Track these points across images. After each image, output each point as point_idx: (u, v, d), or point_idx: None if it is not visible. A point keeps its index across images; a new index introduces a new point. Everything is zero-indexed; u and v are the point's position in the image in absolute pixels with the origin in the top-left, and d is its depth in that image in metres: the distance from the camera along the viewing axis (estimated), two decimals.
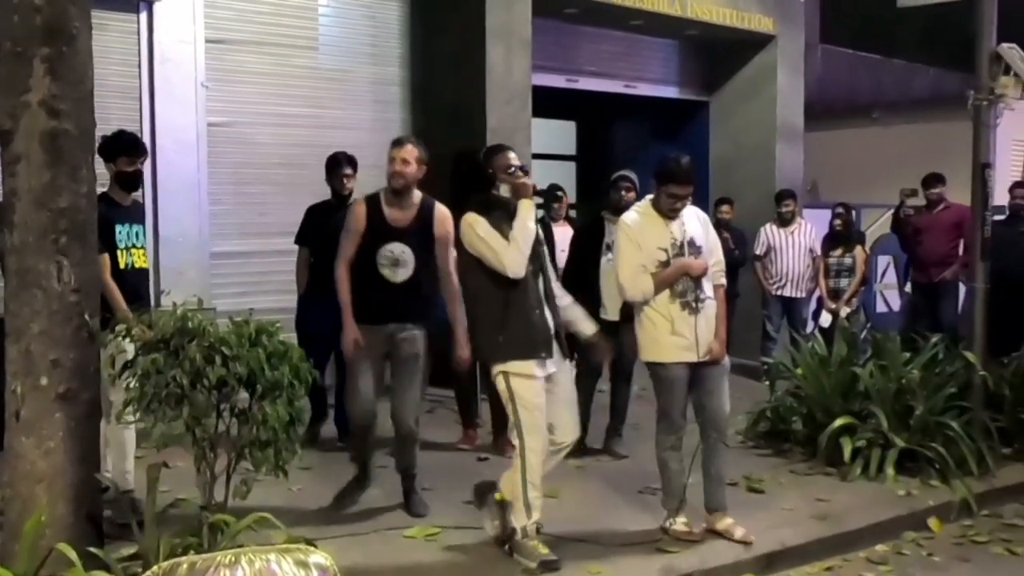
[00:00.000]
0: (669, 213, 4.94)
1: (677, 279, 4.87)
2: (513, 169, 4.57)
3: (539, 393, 4.51)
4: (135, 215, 5.25)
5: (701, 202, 10.66)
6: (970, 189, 6.81)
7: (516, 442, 4.54)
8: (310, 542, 3.83)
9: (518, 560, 4.54)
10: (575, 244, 6.73)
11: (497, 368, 4.52)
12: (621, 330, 5.92)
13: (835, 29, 15.99)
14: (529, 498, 4.52)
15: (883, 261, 10.79)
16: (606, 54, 10.61)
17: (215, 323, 4.14)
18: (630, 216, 5.05)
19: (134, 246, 5.13)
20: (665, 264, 4.88)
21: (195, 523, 3.95)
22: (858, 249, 9.17)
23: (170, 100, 7.33)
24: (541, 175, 9.15)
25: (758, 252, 9.34)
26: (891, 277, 10.89)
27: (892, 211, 9.48)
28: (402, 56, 8.79)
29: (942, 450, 6.10)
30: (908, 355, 6.75)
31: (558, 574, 4.46)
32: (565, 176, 12.43)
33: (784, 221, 9.25)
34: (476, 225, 4.50)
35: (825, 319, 8.94)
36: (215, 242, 7.58)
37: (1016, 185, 8.21)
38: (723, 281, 5.11)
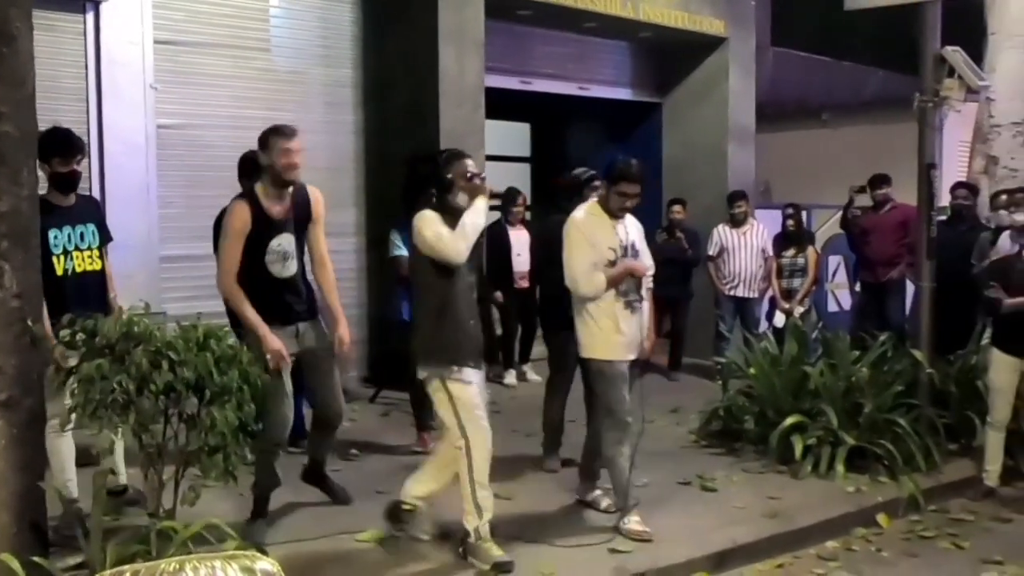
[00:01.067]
0: (618, 212, 5.11)
1: (624, 279, 5.04)
2: (471, 176, 4.59)
3: (476, 392, 4.55)
4: (79, 216, 4.97)
5: (654, 203, 10.78)
6: (917, 189, 6.90)
7: (459, 443, 4.50)
8: (259, 548, 3.82)
9: (472, 562, 4.54)
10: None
11: (434, 371, 4.51)
12: None
13: (786, 32, 16.15)
14: (478, 499, 4.52)
15: (834, 261, 10.92)
16: (559, 56, 10.65)
17: (163, 327, 4.09)
18: (580, 215, 5.17)
19: (77, 249, 4.91)
20: (613, 263, 5.04)
21: (143, 531, 3.89)
22: (810, 249, 9.26)
23: (118, 102, 7.23)
24: (495, 177, 9.09)
25: (711, 253, 9.41)
26: (842, 277, 11.02)
27: (842, 211, 9.59)
28: (354, 58, 8.75)
29: (890, 447, 6.18)
30: (857, 354, 6.83)
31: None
32: (520, 178, 12.45)
33: (737, 222, 9.32)
34: (429, 219, 4.48)
35: (779, 319, 9.03)
36: (165, 246, 7.49)
37: (957, 185, 8.33)
38: (651, 285, 5.31)
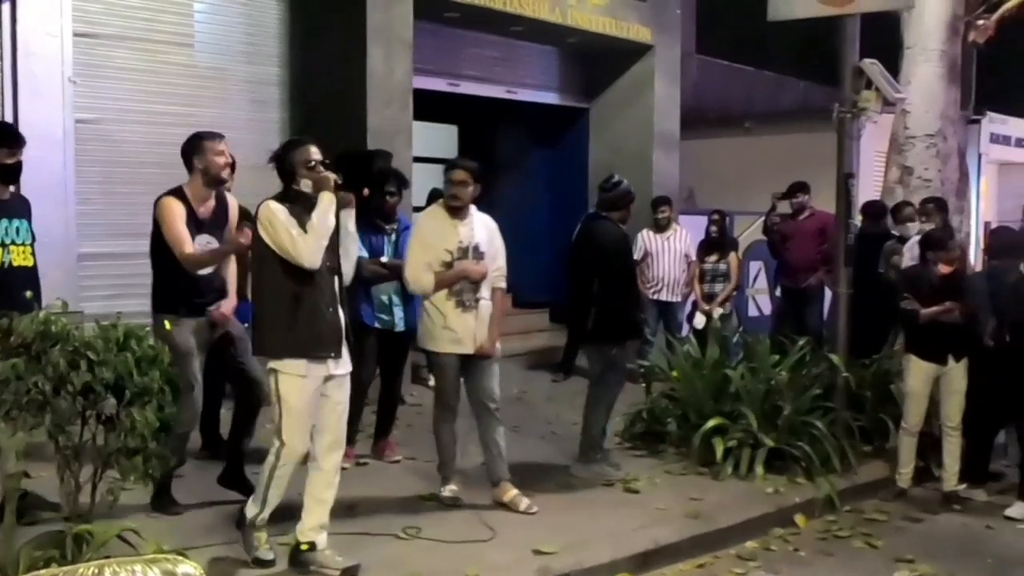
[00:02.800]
0: (452, 202, 5.40)
1: (457, 281, 5.34)
2: (313, 163, 4.46)
3: (304, 396, 4.40)
4: (15, 210, 4.98)
5: (580, 208, 10.88)
6: (835, 198, 7.07)
7: (275, 441, 4.43)
8: (180, 552, 3.74)
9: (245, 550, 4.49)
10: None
11: (272, 365, 4.42)
12: None
13: (710, 40, 16.40)
14: (268, 496, 4.44)
15: (755, 266, 11.13)
16: (488, 59, 10.67)
17: (81, 327, 3.99)
18: (423, 217, 5.57)
19: (13, 243, 4.90)
20: (449, 265, 5.33)
21: (58, 536, 3.80)
22: (732, 255, 9.43)
23: (35, 95, 7.01)
24: (422, 178, 9.15)
25: (635, 257, 9.49)
26: (762, 282, 11.23)
27: (763, 217, 9.79)
28: (280, 55, 8.63)
29: (808, 449, 6.33)
30: (777, 358, 6.98)
31: None
32: None
33: (660, 227, 9.43)
34: (275, 212, 4.38)
35: (699, 320, 9.17)
36: (82, 243, 7.29)
37: (869, 214, 8.52)
38: (503, 285, 5.61)
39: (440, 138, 12.61)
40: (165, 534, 4.45)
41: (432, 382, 8.84)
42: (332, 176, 4.47)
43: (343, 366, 4.54)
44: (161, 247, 5.02)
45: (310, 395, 4.41)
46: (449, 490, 5.54)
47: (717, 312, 8.99)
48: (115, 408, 3.93)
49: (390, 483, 5.88)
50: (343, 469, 6.12)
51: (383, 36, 8.36)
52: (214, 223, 5.15)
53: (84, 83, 7.34)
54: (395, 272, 5.98)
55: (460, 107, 11.36)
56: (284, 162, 4.52)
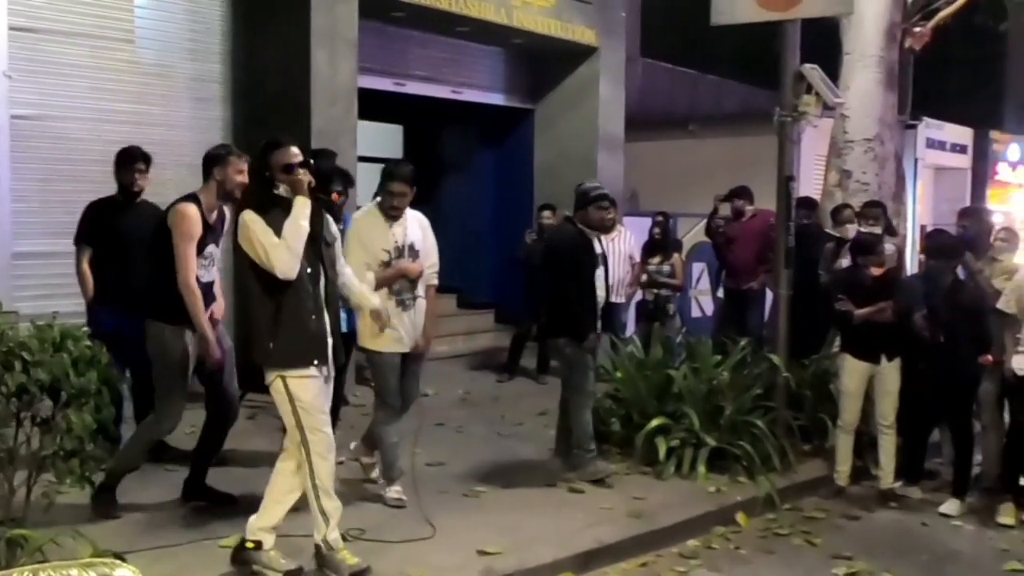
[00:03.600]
0: (391, 212, 5.43)
1: (396, 280, 5.39)
2: (290, 166, 4.37)
3: (318, 394, 4.40)
4: None
5: (526, 209, 10.91)
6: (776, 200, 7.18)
7: (300, 449, 4.38)
8: (118, 555, 3.69)
9: (327, 574, 4.44)
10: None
11: (275, 372, 4.36)
12: None
13: (655, 44, 16.56)
14: (323, 506, 4.39)
15: (697, 268, 11.25)
16: (433, 59, 10.66)
17: (15, 327, 3.92)
18: (359, 216, 5.57)
19: None
20: (387, 264, 5.38)
21: None
22: (675, 256, 9.50)
23: None
24: (368, 178, 9.10)
25: None
26: (705, 283, 11.37)
27: (706, 219, 9.89)
28: (224, 53, 8.54)
29: (749, 448, 6.41)
30: (719, 358, 7.06)
31: None
32: None
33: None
34: (251, 223, 4.31)
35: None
36: (18, 242, 7.15)
37: (798, 203, 8.65)
38: (435, 282, 5.69)
39: (386, 138, 12.59)
40: (104, 538, 4.37)
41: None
42: (306, 179, 4.37)
43: (330, 367, 4.54)
44: (169, 253, 4.96)
45: (319, 391, 4.42)
46: (394, 491, 5.55)
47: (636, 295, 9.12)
48: (51, 410, 3.87)
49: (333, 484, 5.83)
50: None
51: (328, 35, 8.31)
52: (218, 233, 5.24)
53: (21, 78, 7.19)
54: None
55: (406, 107, 11.34)
56: (261, 165, 4.42)
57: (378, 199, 5.55)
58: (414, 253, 5.51)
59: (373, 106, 9.65)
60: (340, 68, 8.40)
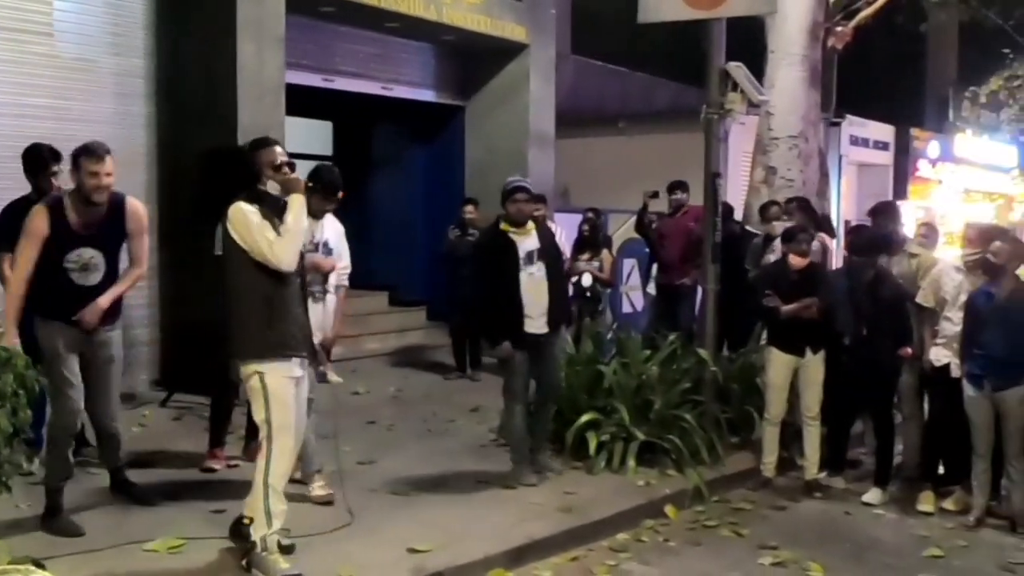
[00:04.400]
0: (318, 214, 5.54)
1: (308, 271, 5.32)
2: (280, 164, 4.50)
3: (294, 393, 4.50)
4: None
5: (457, 206, 10.84)
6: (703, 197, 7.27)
7: (263, 444, 4.42)
8: (37, 562, 3.61)
9: (255, 575, 4.40)
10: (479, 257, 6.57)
11: (254, 367, 4.39)
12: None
13: (585, 41, 16.66)
14: (271, 507, 4.38)
15: (628, 264, 11.32)
16: (363, 55, 10.59)
17: None
18: None
19: None
20: (301, 257, 5.28)
21: None
22: (605, 253, 9.56)
23: None
24: (297, 174, 9.00)
25: None
26: (635, 279, 11.43)
27: (636, 215, 9.97)
28: (147, 47, 8.38)
29: (678, 441, 6.48)
30: (648, 353, 7.13)
31: None
32: None
33: None
34: (248, 215, 4.35)
35: (587, 280, 9.25)
36: None
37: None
38: (346, 283, 5.85)
39: (315, 134, 12.47)
40: (22, 544, 4.27)
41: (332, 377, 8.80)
42: (301, 179, 4.54)
43: (304, 366, 4.61)
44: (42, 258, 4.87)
45: (294, 390, 4.48)
46: (318, 486, 5.52)
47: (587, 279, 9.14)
48: None
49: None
50: (213, 471, 6.08)
51: (254, 29, 8.19)
52: (98, 238, 4.99)
53: None
54: None
55: (335, 103, 11.24)
56: (248, 162, 4.50)
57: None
58: (327, 251, 5.63)
59: (302, 102, 9.55)
60: (267, 63, 8.30)
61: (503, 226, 6.20)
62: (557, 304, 6.13)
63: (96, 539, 4.75)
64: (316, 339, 5.44)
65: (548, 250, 6.16)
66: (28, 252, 4.83)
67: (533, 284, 6.03)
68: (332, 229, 5.73)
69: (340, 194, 5.72)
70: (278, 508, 4.40)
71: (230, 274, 4.49)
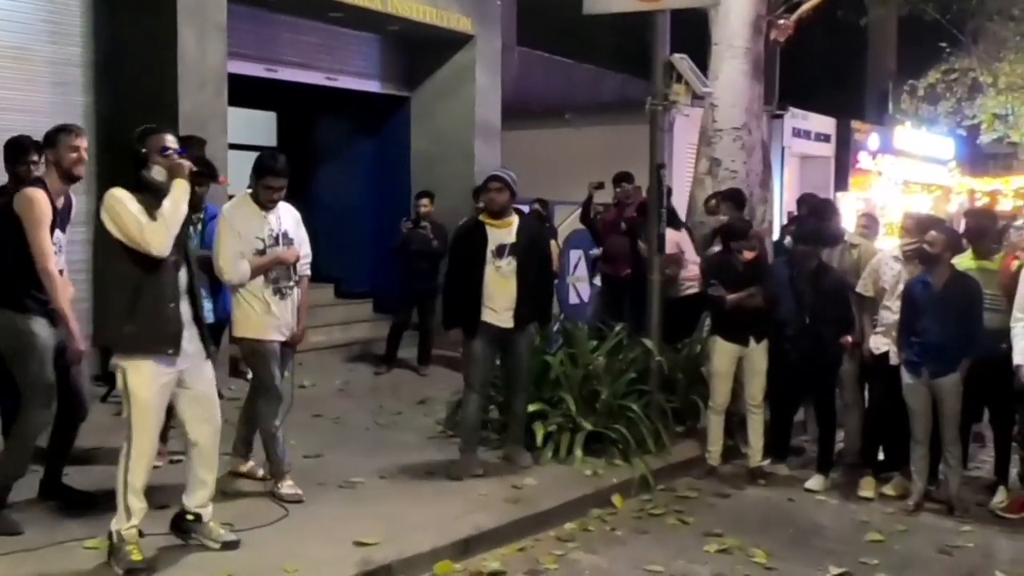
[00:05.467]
0: (267, 204, 5.41)
1: (272, 267, 5.37)
2: (167, 150, 4.38)
3: (157, 394, 4.36)
4: None
5: (403, 198, 10.83)
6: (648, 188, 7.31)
7: (124, 440, 4.37)
8: None
9: (112, 565, 4.37)
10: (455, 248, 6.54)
11: (117, 361, 4.34)
12: None
13: (531, 33, 16.64)
14: (129, 503, 4.34)
15: (575, 255, 11.35)
16: (307, 45, 10.46)
17: None
18: (231, 206, 5.51)
19: None
20: (262, 252, 5.35)
21: None
22: (551, 243, 9.57)
23: None
24: (240, 166, 8.88)
25: None
26: (582, 270, 11.47)
27: (581, 206, 10.01)
28: (85, 35, 8.20)
29: (624, 431, 6.53)
30: (595, 344, 7.16)
31: None
32: None
33: None
34: (124, 201, 4.26)
35: None
36: None
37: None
38: (307, 272, 5.70)
39: (258, 124, 12.32)
40: None
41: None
42: (187, 163, 4.42)
43: (195, 355, 4.50)
44: (10, 239, 4.74)
45: (159, 389, 4.35)
46: (287, 485, 5.45)
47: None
48: None
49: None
50: (156, 467, 5.98)
51: (195, 18, 8.07)
52: (67, 218, 5.08)
53: None
54: (202, 264, 5.82)
55: (279, 93, 11.12)
56: (136, 148, 4.38)
57: (250, 190, 5.48)
58: (288, 241, 5.50)
59: (245, 92, 9.43)
60: (208, 52, 8.17)
61: (482, 217, 6.22)
62: (527, 301, 6.07)
63: (35, 537, 4.66)
64: (283, 336, 5.46)
65: (526, 247, 6.09)
66: (48, 239, 4.75)
67: (499, 277, 6.03)
68: (289, 217, 5.58)
69: (222, 179, 5.80)
70: (137, 505, 4.36)
71: (99, 262, 4.41)
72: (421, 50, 11.29)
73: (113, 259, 4.29)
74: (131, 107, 8.07)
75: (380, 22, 10.42)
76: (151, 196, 4.31)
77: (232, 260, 5.33)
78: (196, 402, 4.53)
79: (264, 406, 5.49)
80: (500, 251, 6.05)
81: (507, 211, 6.15)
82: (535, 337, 6.43)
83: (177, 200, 4.32)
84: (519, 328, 6.09)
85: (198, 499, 4.63)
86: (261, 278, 5.38)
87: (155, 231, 4.24)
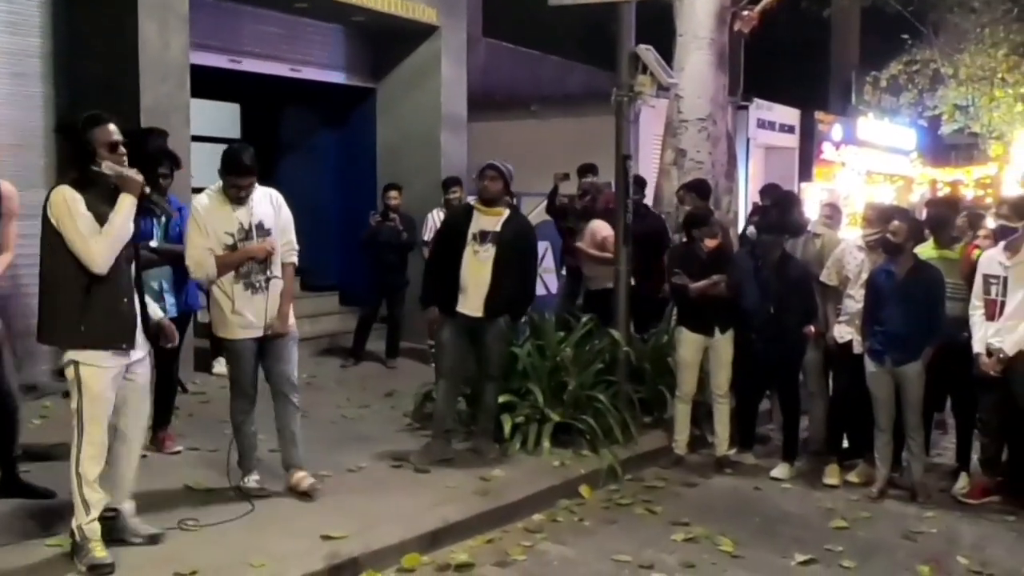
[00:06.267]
0: (235, 200, 5.23)
1: (242, 262, 5.20)
2: (115, 143, 4.27)
3: (109, 385, 4.32)
4: None
5: (369, 189, 10.78)
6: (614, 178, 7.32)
7: (74, 434, 4.31)
8: None
9: (75, 563, 4.33)
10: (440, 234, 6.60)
11: (70, 356, 4.27)
12: None
13: (497, 24, 16.61)
14: (85, 496, 4.30)
15: (542, 246, 11.33)
16: (271, 36, 10.36)
17: None
18: (200, 200, 5.31)
19: None
20: (232, 247, 5.19)
21: None
22: None
23: None
24: (203, 158, 8.80)
25: (426, 237, 9.51)
26: (549, 262, 11.47)
27: (547, 197, 10.01)
28: (43, 25, 8.06)
29: (592, 422, 6.54)
30: (562, 335, 7.17)
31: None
32: None
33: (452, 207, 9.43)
34: (71, 203, 4.16)
35: None
36: None
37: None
38: (294, 259, 5.52)
39: (222, 116, 12.20)
40: None
41: (217, 369, 8.63)
42: (140, 179, 4.29)
43: (141, 350, 4.45)
44: None
45: (111, 381, 4.30)
46: (253, 480, 5.42)
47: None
48: None
49: (171, 475, 5.64)
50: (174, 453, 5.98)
51: (156, 8, 7.96)
52: None
53: None
54: (166, 257, 5.76)
55: (243, 85, 11.01)
56: (82, 140, 4.25)
57: (220, 183, 5.30)
58: (264, 232, 5.28)
59: (208, 84, 9.34)
60: (171, 43, 8.07)
61: (475, 202, 6.27)
62: (500, 292, 6.03)
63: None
64: (259, 332, 5.29)
65: (509, 238, 6.06)
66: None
67: (476, 263, 6.05)
68: (268, 204, 5.34)
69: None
70: (94, 497, 4.32)
71: (47, 258, 4.28)
72: (386, 41, 11.22)
73: (62, 256, 4.21)
74: (91, 99, 7.93)
75: (344, 13, 10.34)
76: (98, 191, 4.23)
77: (196, 258, 5.20)
78: (135, 393, 4.49)
79: (232, 400, 5.44)
80: (482, 236, 6.07)
81: (499, 201, 6.15)
82: (506, 330, 6.33)
83: (126, 217, 4.23)
84: (489, 319, 6.08)
85: (120, 494, 4.55)
86: (231, 275, 5.21)
87: (100, 251, 4.16)
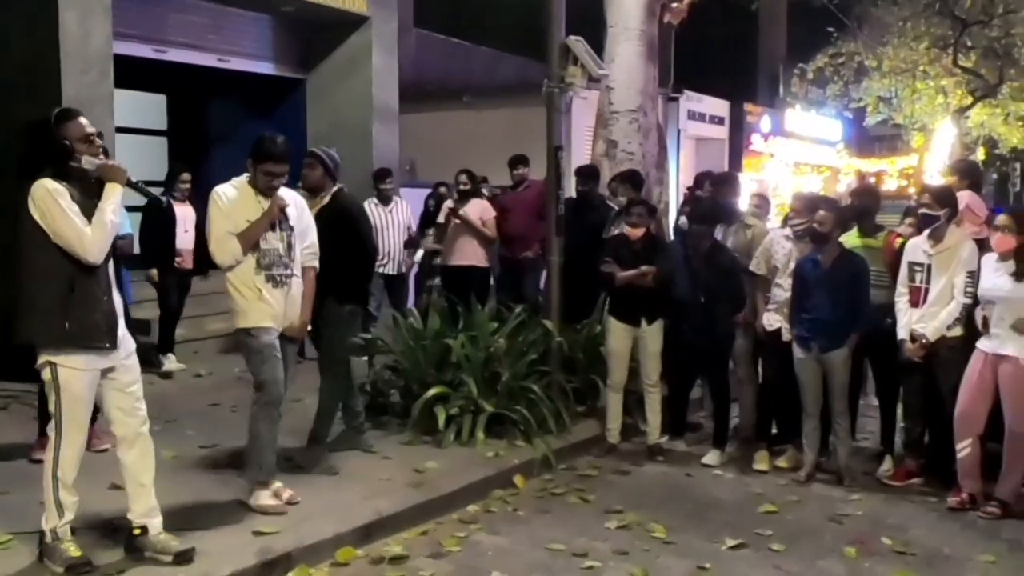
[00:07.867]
0: (266, 191, 5.05)
1: (262, 232, 5.00)
2: (90, 136, 4.20)
3: (88, 387, 4.23)
4: None
5: (299, 179, 10.65)
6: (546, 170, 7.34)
7: (51, 435, 4.23)
8: None
9: (47, 564, 4.25)
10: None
11: (48, 356, 4.16)
12: None
13: (428, 15, 16.54)
14: (60, 498, 4.23)
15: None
16: (197, 25, 10.21)
17: None
18: (224, 190, 5.09)
19: None
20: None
21: None
22: None
23: None
24: (128, 150, 8.65)
25: None
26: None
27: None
28: None
29: (526, 412, 6.57)
30: (495, 326, 7.18)
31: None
32: (156, 151, 11.83)
33: (385, 199, 9.38)
34: (57, 196, 4.06)
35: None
36: None
37: (576, 171, 8.93)
38: (315, 263, 5.34)
39: (147, 107, 12.00)
40: None
41: (167, 366, 8.47)
42: (125, 169, 4.23)
43: (124, 348, 4.33)
44: None
45: (90, 382, 4.20)
46: (268, 496, 5.14)
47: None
48: None
49: (101, 474, 5.51)
50: (42, 461, 5.79)
51: None
52: None
53: None
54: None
55: (169, 75, 10.83)
56: (56, 137, 4.14)
57: (247, 176, 5.11)
58: (287, 227, 5.12)
59: (132, 74, 9.17)
60: (93, 32, 7.90)
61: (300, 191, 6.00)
62: (323, 276, 5.53)
63: None
64: (279, 327, 5.08)
65: (323, 224, 5.65)
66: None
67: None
68: (292, 205, 5.19)
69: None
70: (69, 500, 4.24)
71: (28, 256, 4.16)
72: (316, 31, 11.12)
73: (42, 253, 4.10)
74: (12, 91, 7.76)
75: (273, 2, 10.23)
76: (79, 185, 4.14)
77: (221, 240, 4.98)
78: (123, 394, 4.36)
79: (263, 409, 5.16)
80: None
81: (321, 188, 5.98)
82: (338, 315, 6.02)
83: (115, 206, 4.16)
84: (322, 304, 5.71)
85: (140, 507, 4.41)
86: (252, 265, 4.99)
87: (94, 241, 4.08)
